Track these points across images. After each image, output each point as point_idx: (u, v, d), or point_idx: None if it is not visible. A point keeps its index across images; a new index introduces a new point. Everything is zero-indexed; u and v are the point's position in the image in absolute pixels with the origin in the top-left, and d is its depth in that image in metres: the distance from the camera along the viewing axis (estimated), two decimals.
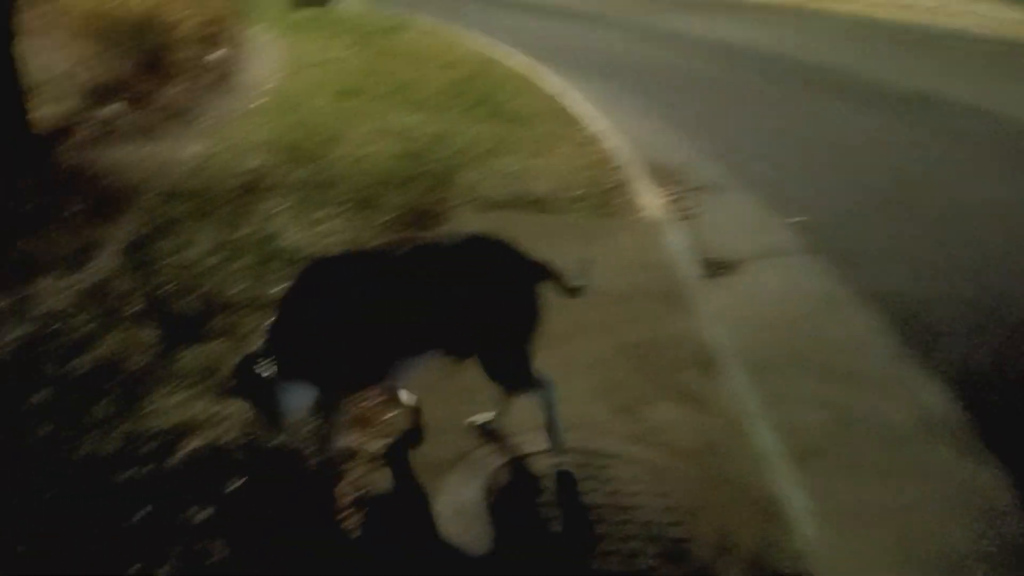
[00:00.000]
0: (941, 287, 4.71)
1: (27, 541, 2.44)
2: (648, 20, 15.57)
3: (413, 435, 3.00)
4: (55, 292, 3.99)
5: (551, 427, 2.83)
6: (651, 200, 5.82)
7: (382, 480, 2.78)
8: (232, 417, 3.02)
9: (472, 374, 2.82)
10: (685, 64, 11.17)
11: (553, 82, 9.63)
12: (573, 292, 2.81)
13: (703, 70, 10.75)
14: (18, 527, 2.48)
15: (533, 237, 4.96)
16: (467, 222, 5.15)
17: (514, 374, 2.77)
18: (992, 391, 3.69)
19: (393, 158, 6.46)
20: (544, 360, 3.51)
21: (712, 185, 6.44)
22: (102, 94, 7.56)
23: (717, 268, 4.99)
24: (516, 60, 10.99)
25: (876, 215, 5.89)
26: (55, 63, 7.59)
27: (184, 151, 6.48)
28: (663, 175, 6.57)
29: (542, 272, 2.77)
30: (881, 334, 4.19)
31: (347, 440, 3.02)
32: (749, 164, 6.95)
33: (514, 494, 2.72)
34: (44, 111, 6.93)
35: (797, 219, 5.71)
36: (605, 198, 5.94)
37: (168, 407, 3.12)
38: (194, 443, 2.94)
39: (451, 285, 2.61)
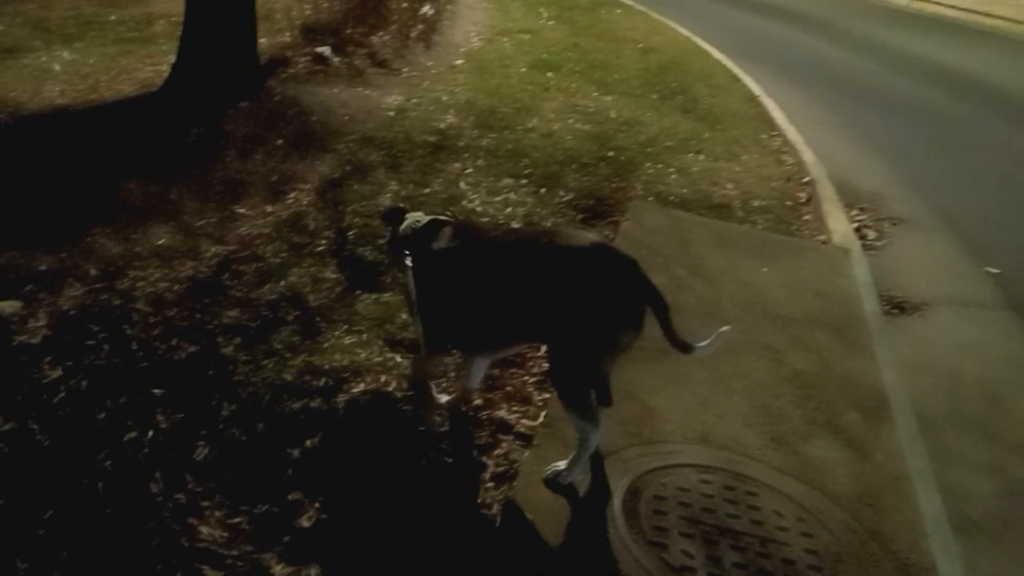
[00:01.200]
0: None
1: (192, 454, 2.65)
2: (859, 27, 14.75)
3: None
4: (254, 217, 4.27)
5: (572, 462, 2.68)
6: (839, 224, 5.57)
7: (529, 460, 2.83)
8: (399, 368, 3.16)
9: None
10: (893, 81, 10.52)
11: (750, 83, 9.32)
12: (682, 348, 2.56)
13: (912, 90, 10.10)
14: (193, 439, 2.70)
15: (708, 243, 4.92)
16: (643, 216, 5.11)
17: (567, 385, 2.58)
18: None
19: (581, 138, 6.47)
20: (702, 372, 3.49)
21: (906, 219, 6.08)
22: (316, 33, 7.96)
23: (901, 308, 4.74)
24: (716, 54, 10.71)
25: None
26: None
27: (384, 100, 6.75)
28: (855, 199, 6.26)
29: (654, 303, 2.52)
30: None
31: (502, 413, 3.11)
32: (950, 202, 6.50)
33: (653, 500, 2.71)
34: (264, 41, 7.39)
35: (994, 269, 5.32)
36: (790, 214, 5.73)
37: (342, 347, 3.29)
38: (361, 386, 3.09)
39: (557, 280, 2.47)
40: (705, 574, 2.44)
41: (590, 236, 2.62)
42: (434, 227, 2.80)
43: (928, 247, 5.73)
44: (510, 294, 2.55)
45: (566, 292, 2.44)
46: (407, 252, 2.74)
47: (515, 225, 4.59)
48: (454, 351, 3.18)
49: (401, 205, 3.18)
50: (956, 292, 5.09)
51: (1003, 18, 17.13)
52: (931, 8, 18.10)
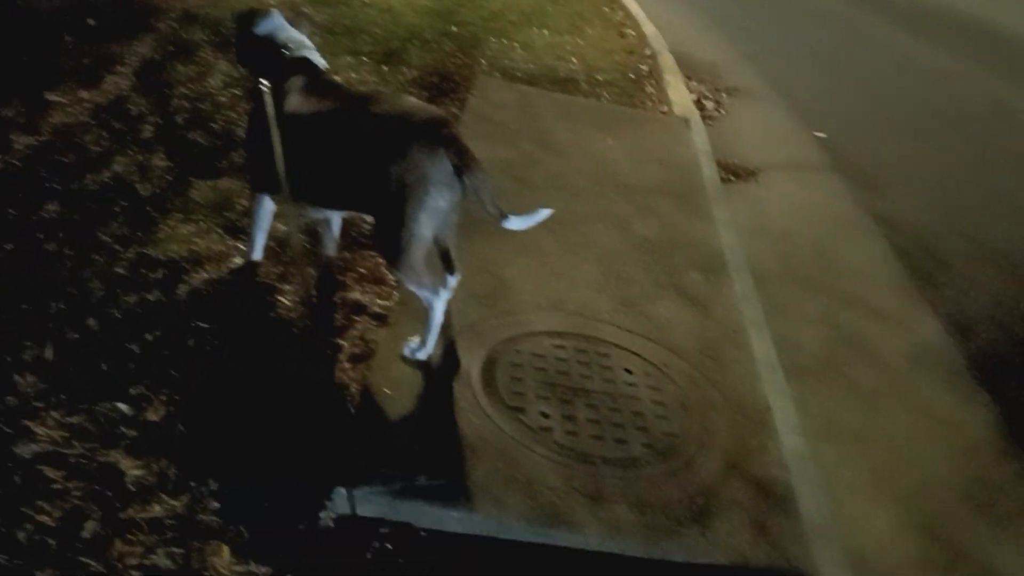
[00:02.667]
0: (956, 222, 4.71)
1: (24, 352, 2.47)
2: None
3: None
4: (68, 106, 3.90)
5: (424, 336, 2.69)
6: (679, 95, 5.69)
7: (385, 338, 2.81)
8: (240, 254, 3.03)
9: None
10: None
11: None
12: (496, 216, 2.52)
13: None
14: (20, 340, 2.51)
15: (555, 117, 4.92)
16: (490, 92, 5.03)
17: (390, 252, 2.54)
18: (986, 331, 3.74)
19: (423, 13, 6.25)
20: (553, 242, 3.54)
21: (742, 89, 6.29)
22: None
23: (737, 174, 4.94)
24: None
25: (907, 143, 5.80)
26: None
27: None
28: (699, 73, 6.40)
29: (465, 166, 2.46)
30: (888, 261, 4.21)
31: (356, 295, 3.05)
32: (787, 74, 6.77)
33: (510, 368, 2.76)
34: None
35: (824, 135, 5.61)
36: (633, 87, 5.80)
37: (179, 236, 3.11)
38: (202, 275, 2.95)
39: (369, 145, 2.47)
40: (562, 431, 2.53)
41: (418, 105, 2.57)
42: (301, 65, 2.71)
43: (763, 115, 5.97)
44: (328, 151, 2.54)
45: (377, 157, 2.43)
46: (264, 81, 2.63)
47: None
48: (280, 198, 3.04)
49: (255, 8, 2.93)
50: (787, 157, 5.36)
51: None
52: None
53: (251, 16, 2.88)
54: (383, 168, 2.43)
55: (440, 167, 2.44)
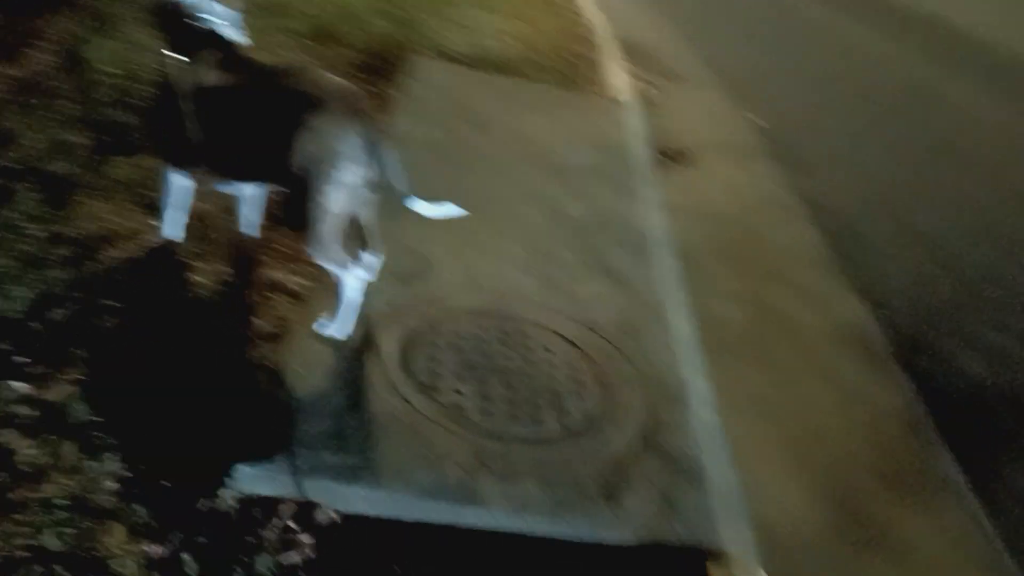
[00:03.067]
0: (885, 206, 4.80)
1: None
2: None
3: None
4: None
5: (338, 313, 2.69)
6: (618, 79, 5.70)
7: (299, 316, 2.78)
8: (153, 231, 2.97)
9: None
10: None
11: None
12: (402, 197, 2.58)
13: None
14: None
15: (490, 98, 4.90)
16: (424, 73, 4.99)
17: (301, 226, 2.54)
18: (906, 311, 3.82)
19: None
20: (479, 222, 3.53)
21: (685, 75, 6.33)
22: None
23: (671, 157, 4.98)
24: None
25: (843, 129, 5.88)
26: None
27: None
28: (638, 56, 6.42)
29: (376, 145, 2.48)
30: (815, 242, 4.27)
31: (274, 273, 3.02)
32: (727, 60, 6.82)
33: (428, 347, 2.75)
34: None
35: (760, 120, 5.67)
36: (573, 70, 5.80)
37: (92, 214, 3.04)
38: (115, 252, 2.89)
39: (279, 118, 2.46)
40: (476, 409, 2.53)
41: (329, 79, 2.55)
42: (212, 38, 2.66)
43: (702, 100, 6.02)
44: (247, 129, 2.53)
45: (286, 130, 2.41)
46: (171, 53, 2.60)
47: None
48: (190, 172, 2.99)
49: None
50: (725, 141, 5.41)
51: None
52: None
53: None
54: (292, 141, 2.41)
55: (349, 141, 2.42)
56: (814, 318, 3.67)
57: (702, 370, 3.05)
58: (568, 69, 5.75)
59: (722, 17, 8.01)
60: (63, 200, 3.08)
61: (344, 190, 2.49)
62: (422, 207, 2.59)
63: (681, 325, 3.25)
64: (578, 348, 2.92)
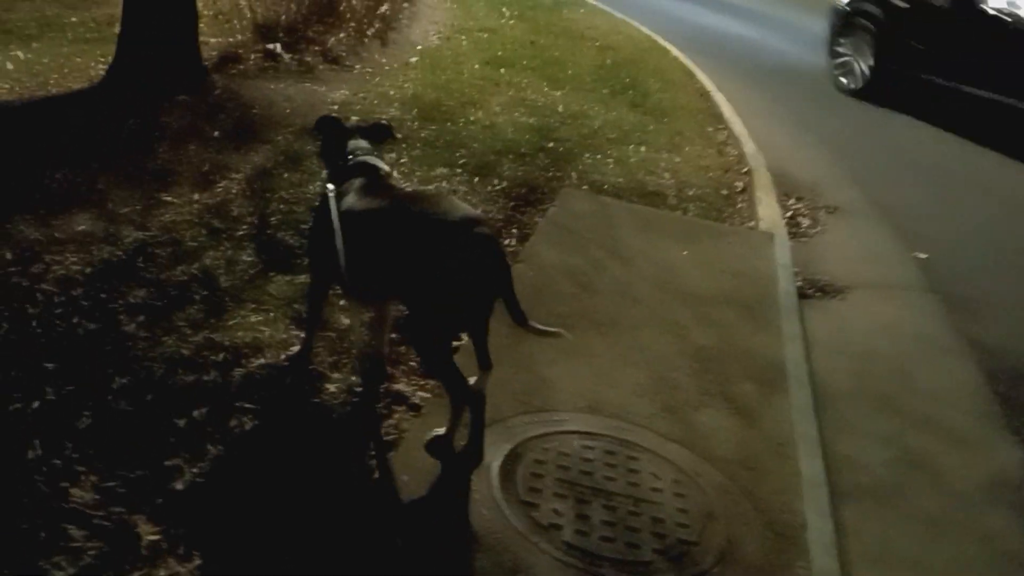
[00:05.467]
0: None
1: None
2: (818, 27, 14.80)
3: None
4: (179, 205, 4.33)
5: (448, 427, 2.74)
6: (769, 211, 5.66)
7: (414, 427, 2.90)
8: (295, 343, 3.22)
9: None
10: None
11: (704, 78, 9.42)
12: (519, 320, 2.70)
13: None
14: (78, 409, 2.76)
15: (635, 228, 5.01)
16: (572, 202, 5.19)
17: (419, 344, 2.80)
18: None
19: (523, 130, 6.56)
20: (603, 345, 3.58)
21: (842, 207, 6.18)
22: (271, 31, 8.02)
23: (821, 290, 4.83)
24: (675, 52, 10.79)
25: (1010, 267, 5.50)
26: None
27: (331, 95, 6.81)
28: (793, 189, 6.37)
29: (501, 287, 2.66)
30: (974, 387, 3.97)
31: (400, 386, 3.18)
32: (886, 193, 6.60)
33: (533, 464, 2.78)
34: (216, 40, 7.47)
35: (922, 255, 5.41)
36: (724, 202, 5.83)
37: (247, 325, 3.36)
38: (260, 360, 3.16)
39: (410, 242, 2.62)
40: (572, 530, 2.52)
41: (456, 205, 2.74)
42: (358, 168, 2.95)
43: (860, 234, 5.83)
44: (380, 247, 2.70)
45: (416, 254, 2.56)
46: (329, 184, 2.89)
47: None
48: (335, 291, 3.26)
49: (335, 116, 3.25)
50: (881, 276, 5.19)
51: None
52: None
53: (328, 123, 3.19)
54: (417, 262, 2.58)
55: (469, 263, 2.56)
56: (967, 467, 3.38)
57: (828, 514, 2.87)
58: (720, 201, 5.79)
59: (887, 153, 7.81)
60: (224, 310, 3.42)
61: (464, 309, 2.63)
62: (534, 327, 2.69)
63: (810, 465, 3.09)
64: (689, 477, 2.84)
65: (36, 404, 2.70)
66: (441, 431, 2.77)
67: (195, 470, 2.55)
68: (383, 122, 3.33)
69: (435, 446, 2.76)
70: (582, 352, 3.47)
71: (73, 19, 8.55)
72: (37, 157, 4.68)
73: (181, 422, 2.75)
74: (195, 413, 2.80)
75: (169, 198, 4.41)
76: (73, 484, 2.40)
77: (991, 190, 7.02)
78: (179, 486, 2.48)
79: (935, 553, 2.91)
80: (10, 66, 6.68)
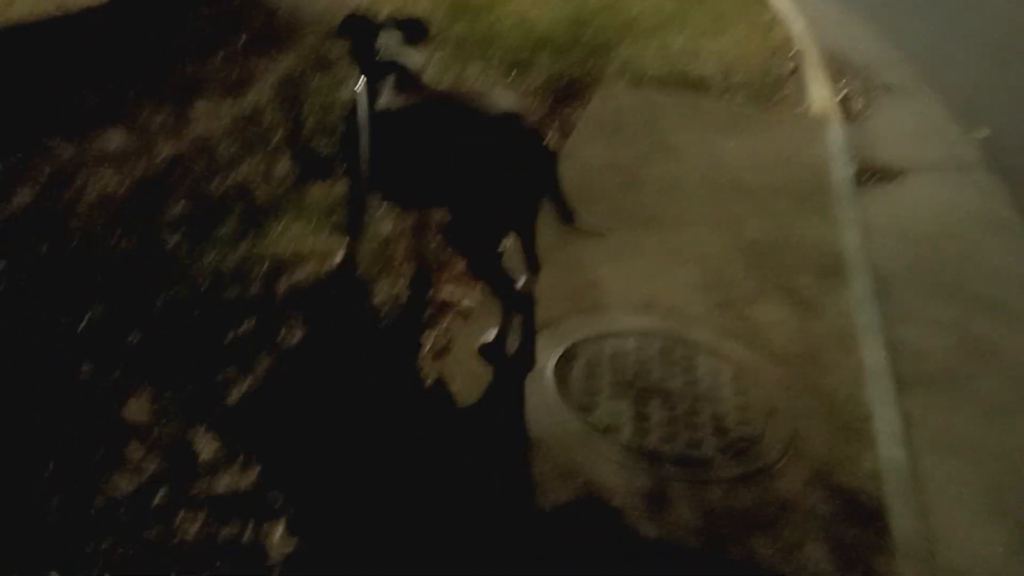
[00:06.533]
0: None
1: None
2: None
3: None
4: (210, 116, 4.23)
5: (500, 330, 2.71)
6: (822, 95, 5.39)
7: (464, 331, 2.84)
8: (339, 252, 3.16)
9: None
10: None
11: None
12: (565, 218, 2.57)
13: None
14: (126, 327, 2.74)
15: (680, 119, 4.81)
16: (613, 96, 4.99)
17: (463, 246, 2.67)
18: None
19: (558, 22, 6.28)
20: (653, 243, 3.46)
21: (896, 86, 5.89)
22: None
23: (876, 175, 4.62)
24: None
25: None
26: None
27: None
28: (844, 70, 6.06)
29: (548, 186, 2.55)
30: None
31: (445, 292, 3.12)
32: (945, 69, 6.27)
33: (587, 366, 2.72)
34: None
35: (981, 133, 5.15)
36: (772, 87, 5.56)
37: (288, 235, 3.30)
38: (305, 271, 3.11)
39: (447, 143, 2.51)
40: (631, 431, 2.46)
41: (498, 99, 2.59)
42: (388, 66, 2.82)
43: (916, 114, 5.57)
44: (418, 148, 2.59)
45: (457, 152, 2.44)
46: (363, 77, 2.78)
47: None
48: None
49: (360, 13, 3.07)
50: (939, 157, 4.96)
51: None
52: None
53: (353, 22, 3.02)
54: (459, 161, 2.47)
55: (514, 160, 2.45)
56: None
57: (893, 404, 2.78)
58: (768, 87, 5.52)
59: (944, 28, 7.37)
60: (264, 223, 3.36)
61: (511, 209, 2.53)
62: (582, 223, 2.57)
63: (872, 355, 2.99)
64: (750, 373, 2.76)
65: (84, 323, 2.68)
66: (492, 335, 2.72)
67: (248, 382, 2.53)
68: (416, 18, 3.12)
69: (487, 351, 2.70)
70: (632, 250, 3.36)
71: None
72: (64, 76, 4.59)
73: (230, 335, 2.72)
74: (244, 325, 2.77)
75: (199, 110, 4.31)
76: (127, 401, 2.39)
77: None
78: (233, 399, 2.47)
79: (1000, 439, 2.81)
80: None
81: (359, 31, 2.98)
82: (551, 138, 3.71)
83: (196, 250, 3.12)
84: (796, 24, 6.71)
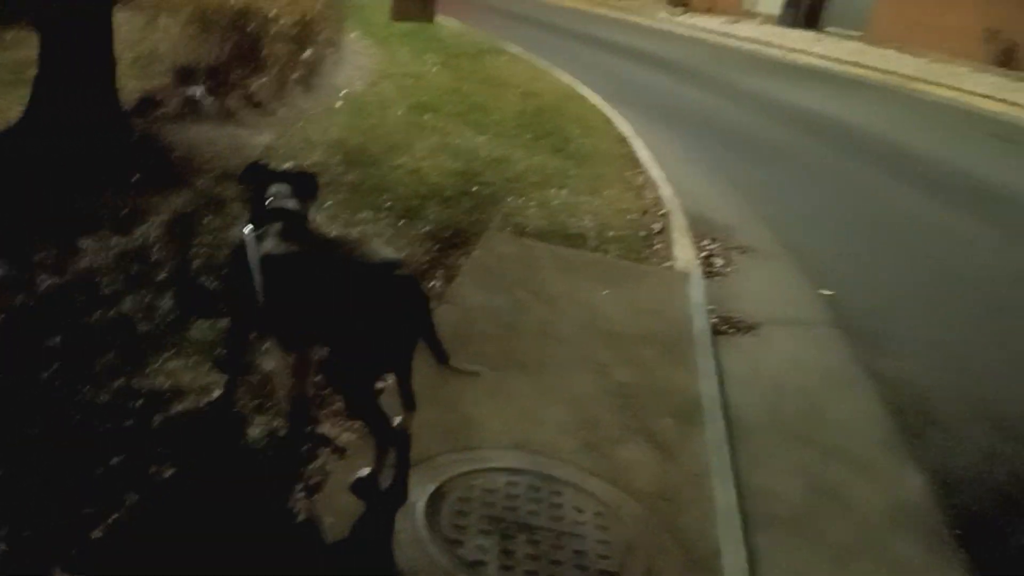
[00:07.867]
0: (950, 381, 4.66)
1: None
2: (737, 78, 15.44)
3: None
4: (97, 251, 4.26)
5: (373, 468, 2.81)
6: (684, 252, 5.87)
7: (339, 468, 2.91)
8: (217, 387, 3.20)
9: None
10: (760, 125, 11.12)
11: (623, 125, 9.73)
12: (440, 358, 2.75)
13: (777, 134, 10.68)
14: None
15: (557, 270, 5.14)
16: (496, 245, 5.30)
17: (343, 388, 2.81)
18: (972, 492, 3.64)
19: (447, 174, 6.66)
20: (527, 384, 3.66)
21: (754, 248, 6.44)
22: (192, 76, 7.97)
23: (734, 327, 5.01)
24: (594, 99, 11.12)
25: (910, 302, 5.81)
26: (147, 40, 8.07)
27: (254, 139, 6.81)
28: (707, 230, 6.61)
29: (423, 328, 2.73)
30: (877, 417, 4.17)
31: (324, 429, 3.19)
32: (796, 232, 6.93)
33: (457, 502, 2.82)
34: (136, 84, 7.39)
35: (828, 292, 5.68)
36: (642, 244, 6.01)
37: (166, 370, 3.33)
38: (180, 406, 3.13)
39: (330, 288, 2.67)
40: (497, 567, 2.56)
41: (376, 249, 2.79)
42: (276, 213, 2.96)
43: (770, 273, 6.08)
44: (300, 291, 2.74)
45: (337, 298, 2.61)
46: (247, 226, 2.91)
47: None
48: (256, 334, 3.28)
49: (262, 162, 3.26)
50: (790, 313, 5.42)
51: (871, 68, 18.30)
52: (804, 59, 19.19)
53: (252, 169, 3.22)
54: (338, 306, 2.63)
55: (390, 306, 2.62)
56: (872, 495, 3.54)
57: (741, 542, 2.98)
58: (638, 243, 5.97)
59: (798, 196, 8.19)
60: (143, 357, 3.38)
61: (388, 352, 2.68)
62: (459, 365, 2.75)
63: (724, 495, 3.21)
64: (611, 510, 2.92)
65: None
66: (366, 472, 2.80)
67: (113, 518, 2.51)
68: (310, 174, 3.32)
69: (360, 487, 2.78)
70: (506, 391, 3.54)
71: None
72: None
73: (98, 470, 2.70)
74: (113, 461, 2.76)
75: (87, 243, 4.34)
76: None
77: (907, 226, 7.46)
78: (97, 533, 2.44)
79: None
80: None
81: (257, 179, 3.17)
82: (431, 284, 3.97)
83: (69, 383, 3.12)
84: (665, 188, 7.32)
